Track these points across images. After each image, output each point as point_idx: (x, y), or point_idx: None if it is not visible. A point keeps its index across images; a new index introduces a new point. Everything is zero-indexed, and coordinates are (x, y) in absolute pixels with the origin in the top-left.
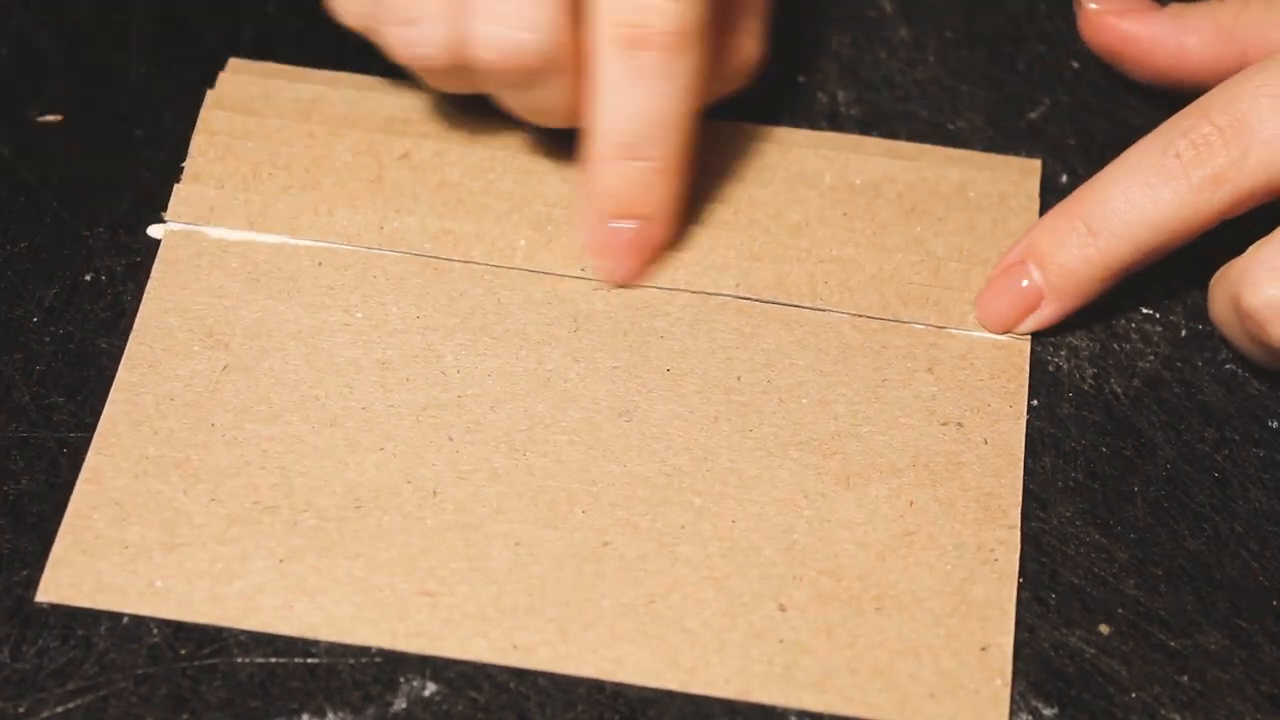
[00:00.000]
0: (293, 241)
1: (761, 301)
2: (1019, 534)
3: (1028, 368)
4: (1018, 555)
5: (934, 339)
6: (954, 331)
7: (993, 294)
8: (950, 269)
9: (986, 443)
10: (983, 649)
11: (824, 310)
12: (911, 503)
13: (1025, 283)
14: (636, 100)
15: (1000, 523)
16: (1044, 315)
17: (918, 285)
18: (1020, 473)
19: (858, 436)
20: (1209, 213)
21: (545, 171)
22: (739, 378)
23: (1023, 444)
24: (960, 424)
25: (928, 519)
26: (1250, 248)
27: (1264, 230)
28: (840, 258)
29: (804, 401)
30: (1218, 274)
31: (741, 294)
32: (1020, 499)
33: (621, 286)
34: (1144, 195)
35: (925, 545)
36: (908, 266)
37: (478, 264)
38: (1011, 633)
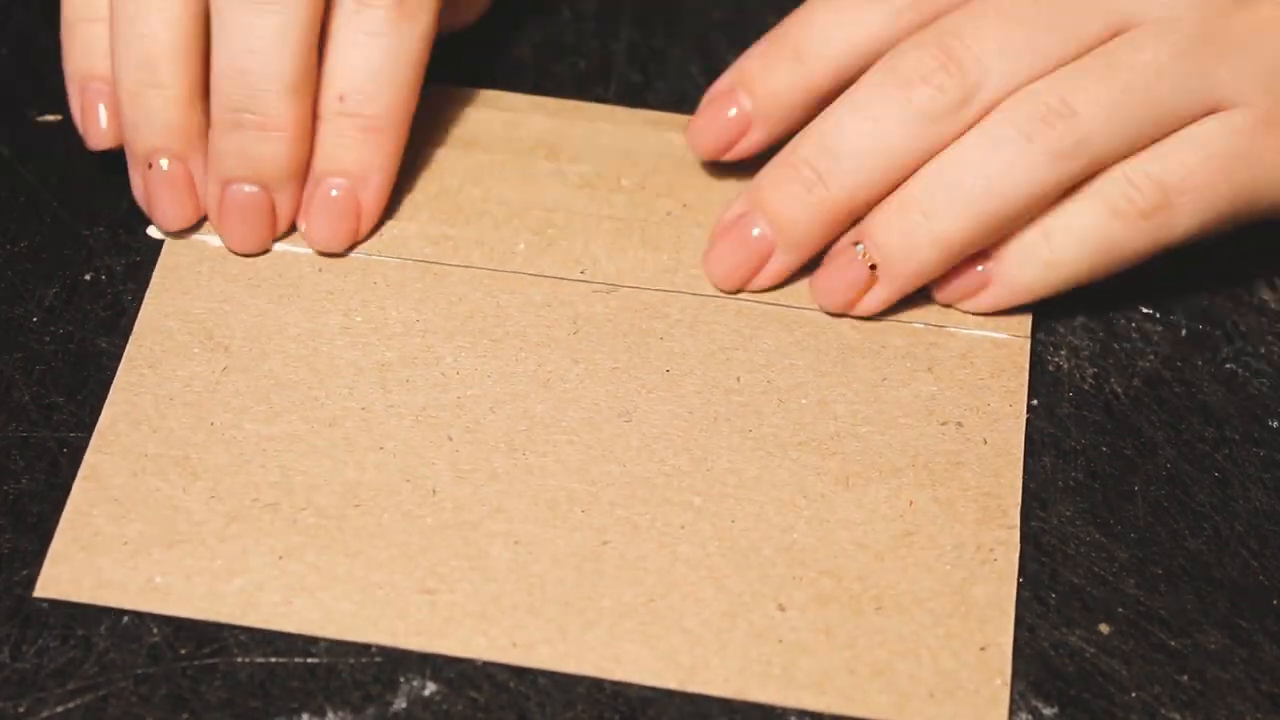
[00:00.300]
0: (294, 250)
1: (761, 303)
2: (1018, 534)
3: (1027, 367)
4: (1017, 555)
5: (933, 338)
6: (953, 330)
7: (706, 117)
8: None
9: (986, 442)
10: (982, 649)
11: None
12: (911, 503)
13: (734, 111)
14: (363, 55)
15: (1000, 523)
16: (752, 140)
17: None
18: (1020, 472)
19: (857, 436)
20: (908, 28)
21: (544, 177)
22: (738, 378)
23: (1022, 444)
24: (960, 424)
25: (927, 519)
26: None
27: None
28: None
29: (803, 402)
30: None
31: (742, 296)
32: (1020, 499)
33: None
34: (848, 16)
35: (925, 545)
36: None
37: (478, 269)
38: (1011, 633)
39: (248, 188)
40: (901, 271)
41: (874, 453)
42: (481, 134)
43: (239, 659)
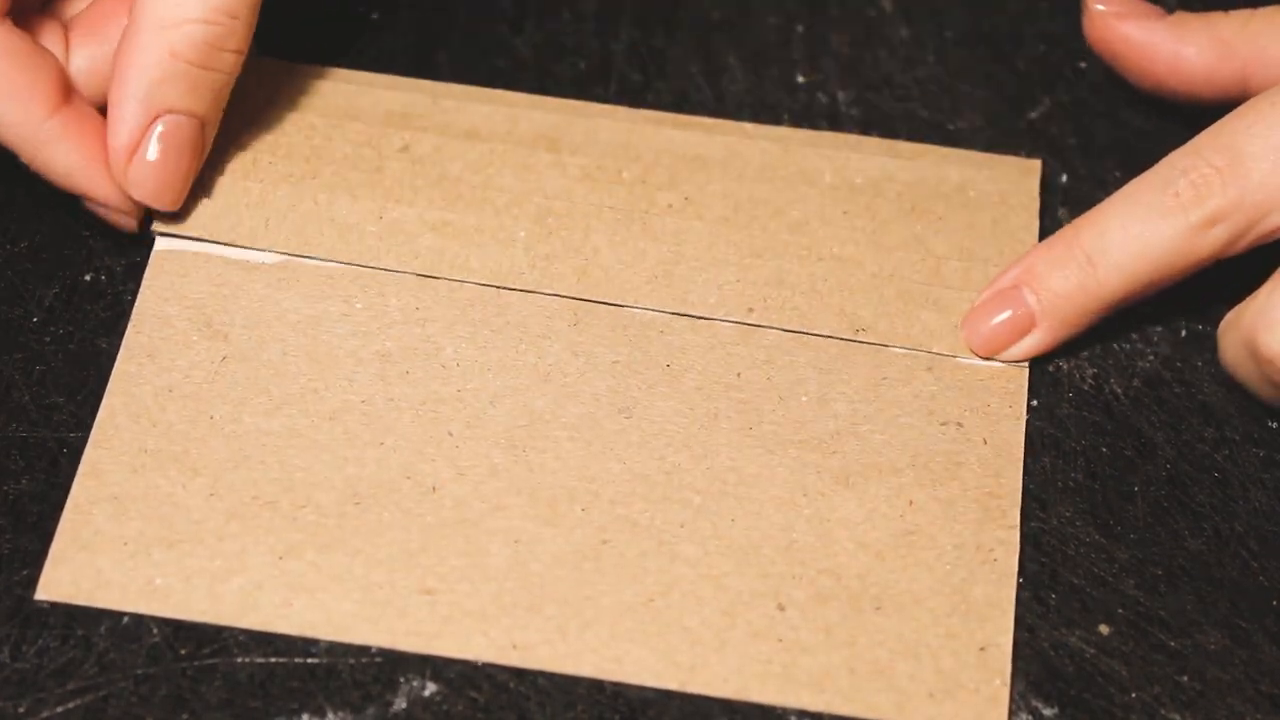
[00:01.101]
0: (296, 258)
1: (767, 328)
2: (1018, 534)
3: (1028, 367)
4: (1017, 555)
5: (938, 335)
6: (956, 323)
7: (983, 315)
8: (950, 267)
9: (986, 443)
10: (982, 649)
11: (835, 338)
12: (911, 502)
13: (1016, 310)
14: None
15: (1000, 523)
16: (1033, 342)
17: (918, 284)
18: (1020, 473)
19: (857, 435)
20: (1204, 251)
21: (545, 167)
22: (739, 374)
23: (1022, 444)
24: (960, 424)
25: (927, 519)
26: (1262, 289)
27: (1262, 267)
28: (840, 256)
29: (804, 399)
30: (1227, 318)
31: (753, 321)
32: (1020, 499)
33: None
34: (1144, 229)
35: (925, 545)
36: (908, 265)
37: (478, 254)
38: (1011, 633)
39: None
40: (1063, 320)
41: (874, 452)
42: (482, 126)
43: (239, 659)
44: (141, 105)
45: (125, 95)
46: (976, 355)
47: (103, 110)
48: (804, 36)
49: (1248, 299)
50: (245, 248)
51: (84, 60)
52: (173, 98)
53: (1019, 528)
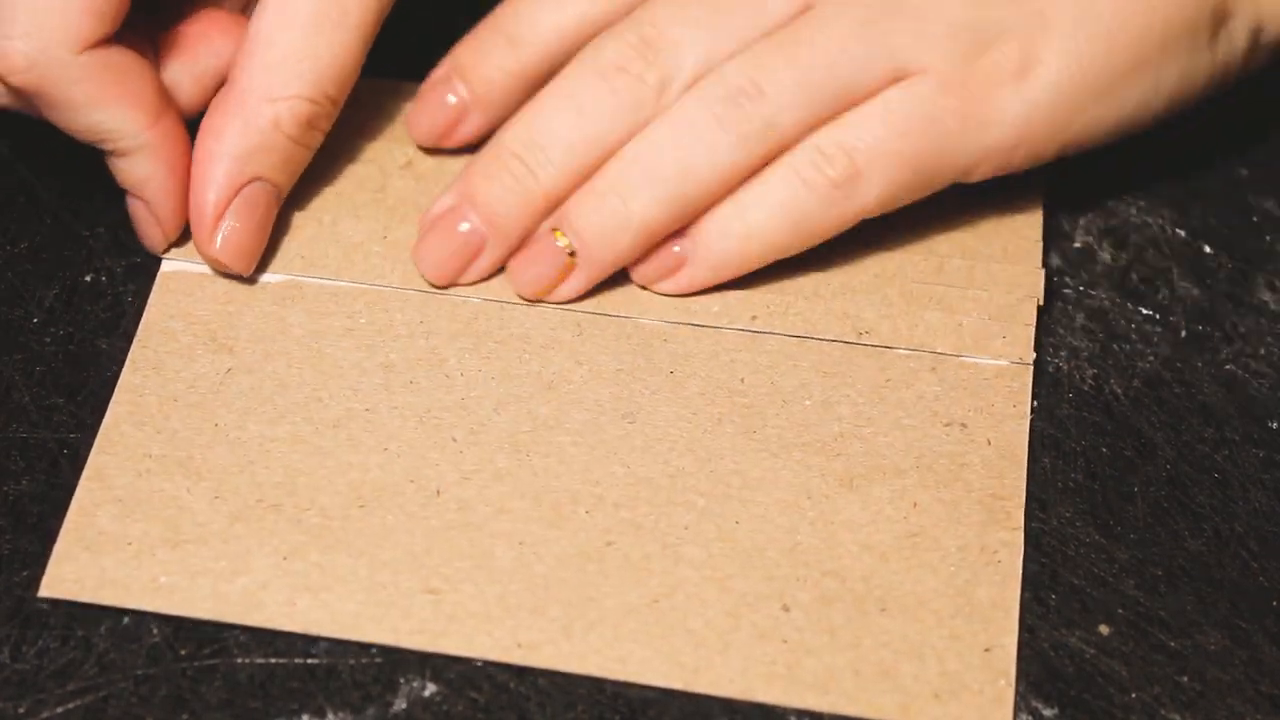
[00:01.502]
0: (301, 277)
1: (770, 334)
2: (1022, 535)
3: (1032, 367)
4: (1021, 556)
5: (941, 335)
6: (961, 359)
7: (420, 112)
8: (954, 265)
9: (990, 444)
10: (986, 650)
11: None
12: (915, 504)
13: (451, 99)
14: None
15: (1004, 524)
16: (470, 127)
17: (920, 284)
18: (1024, 473)
19: (861, 438)
20: (651, 111)
21: None
22: (742, 379)
23: (1026, 444)
24: (964, 425)
25: (931, 520)
26: None
27: None
28: (842, 258)
29: (807, 403)
30: None
31: (756, 328)
32: (1024, 500)
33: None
34: (556, 3)
35: (929, 547)
36: (910, 265)
37: (480, 299)
38: (1015, 633)
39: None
40: (600, 257)
41: (878, 454)
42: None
43: (239, 659)
44: (237, 166)
45: (221, 153)
46: (422, 143)
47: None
48: None
49: None
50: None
51: (171, 75)
52: (265, 167)
53: (1023, 529)
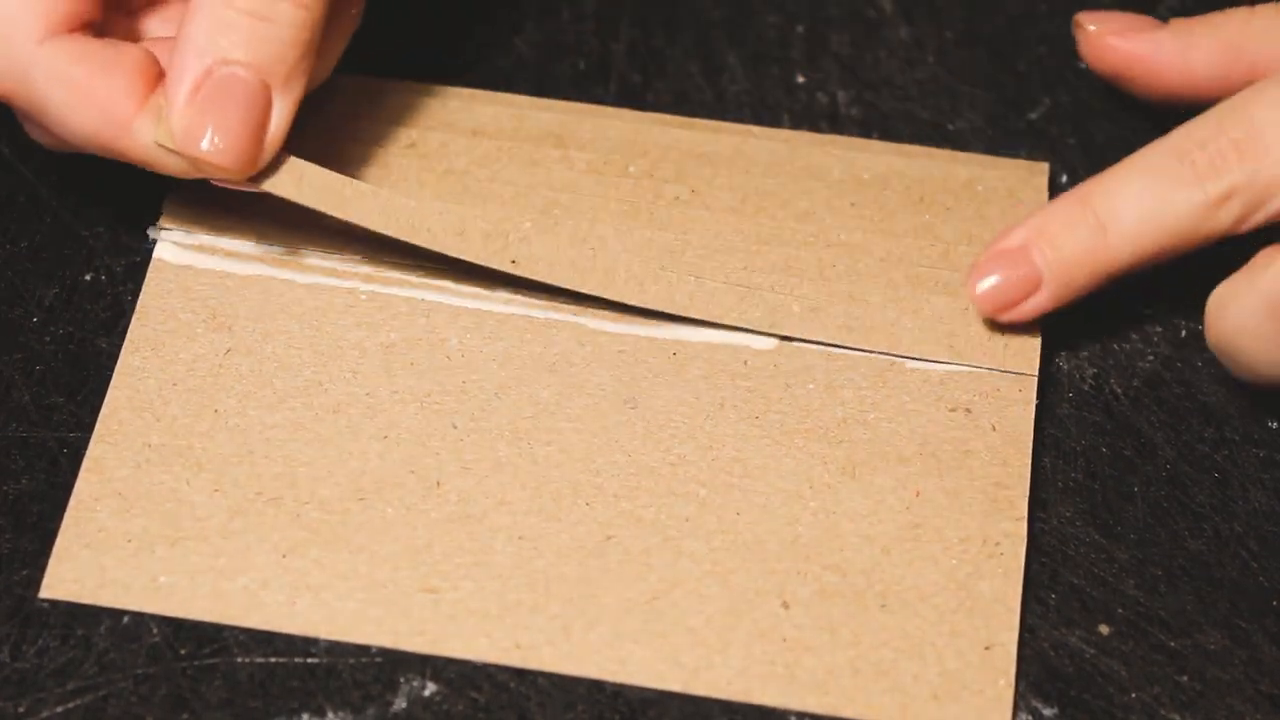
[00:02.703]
0: (301, 250)
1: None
2: (1025, 526)
3: (1039, 350)
4: (1024, 549)
5: (945, 319)
6: (967, 307)
7: (989, 271)
8: (960, 252)
9: (995, 429)
10: (987, 648)
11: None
12: (918, 493)
13: (1022, 269)
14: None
15: (1007, 514)
16: (1037, 303)
17: (926, 268)
18: (1028, 461)
19: (865, 423)
20: (1216, 226)
21: (551, 162)
22: (745, 362)
23: (1031, 430)
24: (969, 410)
25: (934, 510)
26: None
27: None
28: (848, 243)
29: (810, 387)
30: (1225, 289)
31: (766, 329)
32: (1028, 489)
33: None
34: (1157, 198)
35: (931, 539)
36: (916, 250)
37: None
38: (1016, 630)
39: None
40: (1069, 283)
41: (881, 440)
42: (488, 124)
43: (239, 659)
44: (196, 56)
45: (182, 50)
46: (980, 311)
47: None
48: (804, 36)
49: (1243, 269)
50: (251, 241)
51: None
52: (226, 47)
53: (1026, 520)
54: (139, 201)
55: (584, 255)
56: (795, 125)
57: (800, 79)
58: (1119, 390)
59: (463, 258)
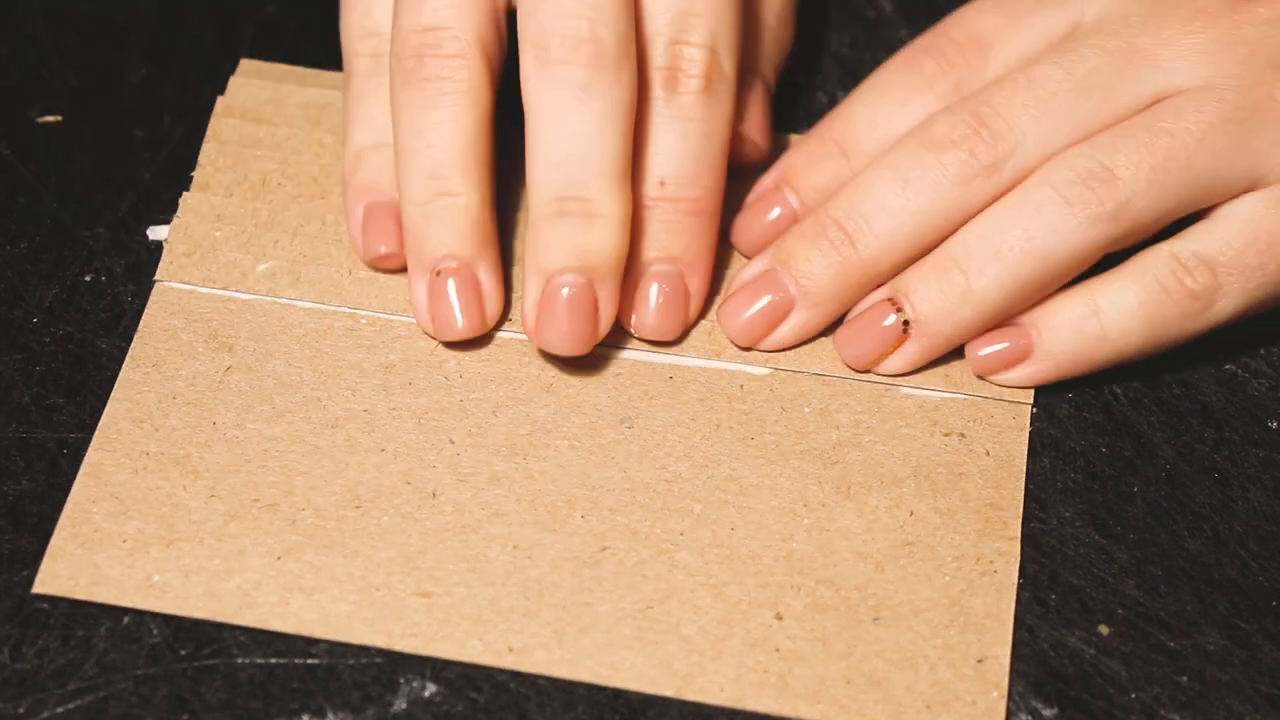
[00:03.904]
0: (302, 270)
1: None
2: (1019, 545)
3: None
4: (1017, 567)
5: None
6: (959, 395)
7: (747, 222)
8: None
9: (988, 454)
10: (980, 661)
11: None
12: (911, 513)
13: (779, 211)
14: (679, 139)
15: (1000, 534)
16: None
17: None
18: (1022, 484)
19: (859, 446)
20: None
21: None
22: (741, 385)
23: (1025, 455)
24: (963, 434)
25: (927, 530)
26: None
27: None
28: None
29: (806, 410)
30: None
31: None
32: (1021, 510)
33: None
34: (894, 111)
35: (924, 556)
36: None
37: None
38: (1009, 644)
39: (573, 280)
40: (938, 330)
41: (875, 462)
42: None
43: (239, 659)
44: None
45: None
46: (748, 254)
47: None
48: (803, 36)
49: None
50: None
51: None
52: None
53: (1019, 539)
54: (139, 201)
55: None
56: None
57: (800, 79)
58: (1119, 390)
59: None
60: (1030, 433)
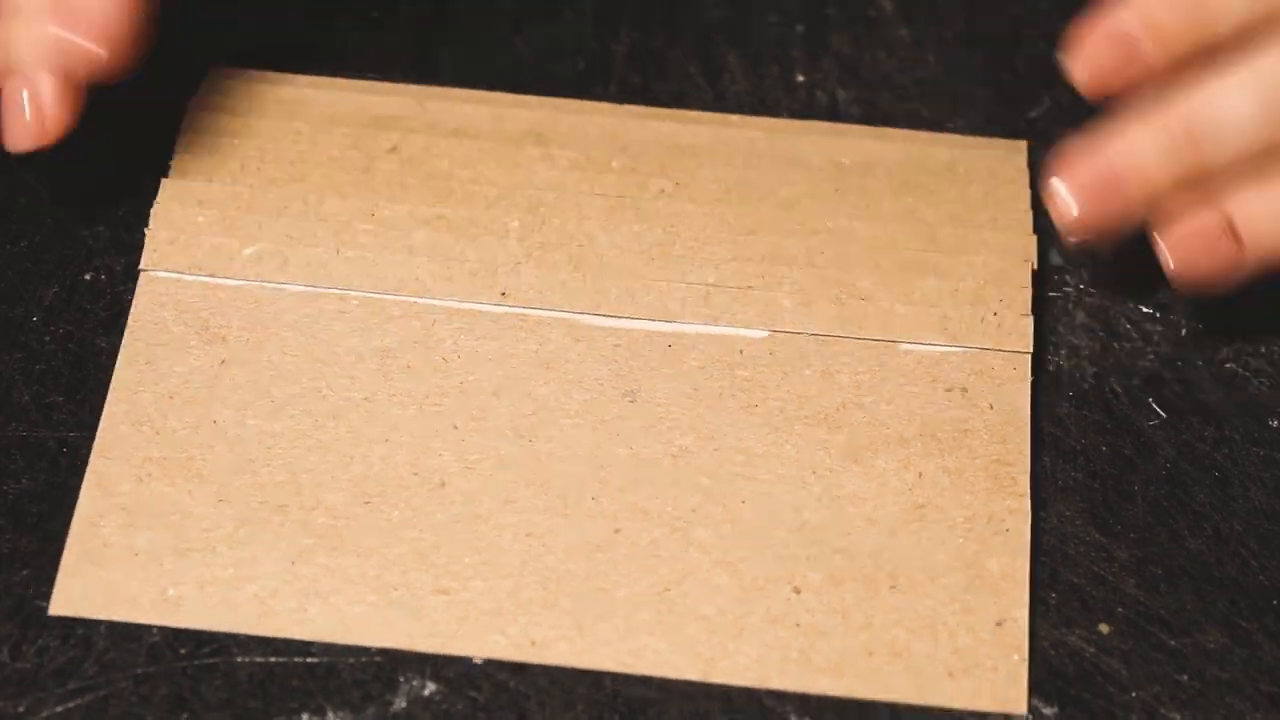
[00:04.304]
0: (289, 252)
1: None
2: (1029, 502)
3: (1032, 328)
4: (1029, 524)
5: (936, 301)
6: (956, 288)
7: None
8: (945, 233)
9: (992, 408)
10: (998, 624)
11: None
12: (920, 474)
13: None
14: None
15: (1010, 491)
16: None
17: (914, 251)
18: (1027, 437)
19: (863, 407)
20: None
21: (534, 161)
22: (740, 350)
23: (1028, 407)
24: (965, 389)
25: (937, 490)
26: None
27: None
28: (834, 229)
29: (806, 373)
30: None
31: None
32: (1029, 464)
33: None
34: None
35: (936, 518)
36: (902, 234)
37: (473, 245)
38: (1026, 605)
39: None
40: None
41: (880, 424)
42: (469, 125)
43: (239, 659)
44: None
45: None
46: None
47: None
48: (804, 36)
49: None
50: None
51: None
52: None
53: (1029, 495)
54: (139, 201)
55: (574, 278)
56: None
57: (800, 78)
58: (1119, 390)
59: (453, 300)
60: (1032, 427)
